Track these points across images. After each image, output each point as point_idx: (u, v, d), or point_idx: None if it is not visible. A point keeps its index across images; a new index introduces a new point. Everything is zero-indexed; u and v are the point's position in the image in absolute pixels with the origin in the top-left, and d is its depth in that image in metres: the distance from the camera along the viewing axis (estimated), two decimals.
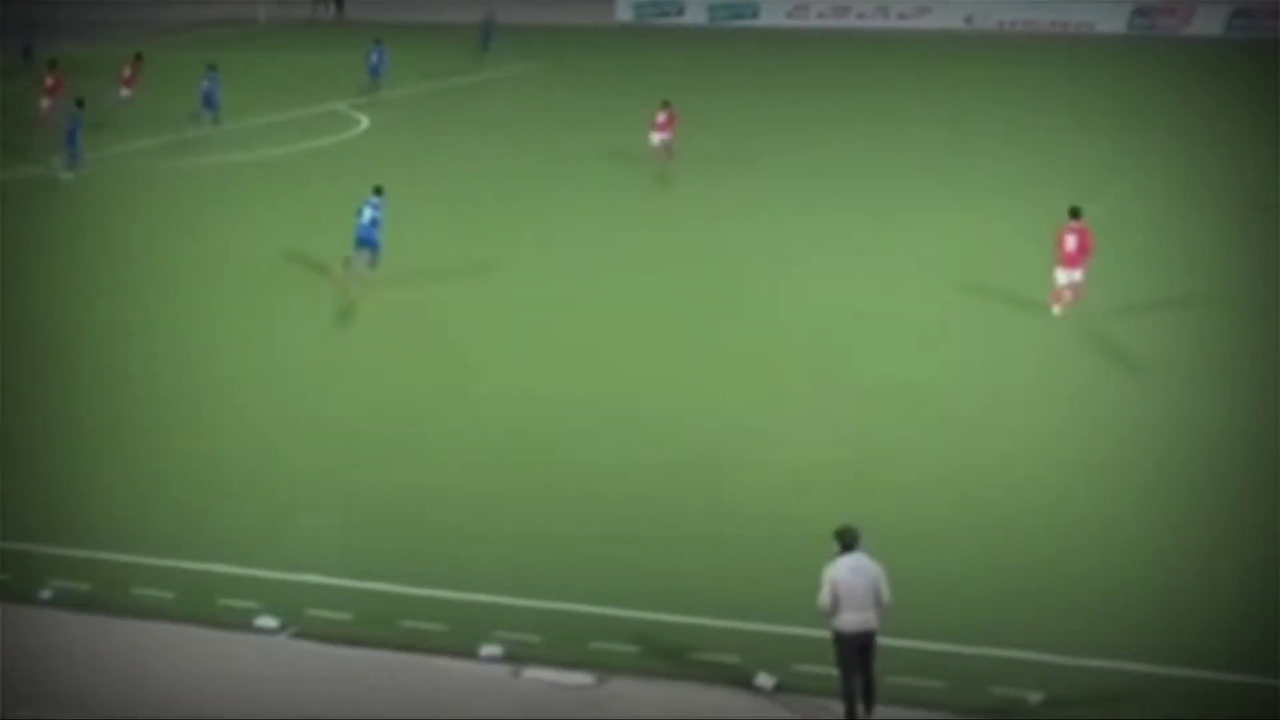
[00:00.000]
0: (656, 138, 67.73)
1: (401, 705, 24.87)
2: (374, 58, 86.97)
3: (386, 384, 39.59)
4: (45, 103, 73.84)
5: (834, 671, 24.50)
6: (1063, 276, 44.86)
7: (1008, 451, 34.90)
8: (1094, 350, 41.48)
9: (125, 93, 77.52)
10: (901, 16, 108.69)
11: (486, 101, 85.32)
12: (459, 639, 26.70)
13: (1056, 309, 44.90)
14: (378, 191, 48.55)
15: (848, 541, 23.97)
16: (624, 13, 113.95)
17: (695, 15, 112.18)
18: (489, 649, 26.36)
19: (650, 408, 37.71)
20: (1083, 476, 33.49)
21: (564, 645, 26.45)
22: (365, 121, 77.29)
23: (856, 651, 23.82)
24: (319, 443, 35.91)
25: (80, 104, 66.29)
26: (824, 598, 23.81)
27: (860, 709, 24.00)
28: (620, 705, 24.90)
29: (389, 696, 25.16)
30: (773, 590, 28.12)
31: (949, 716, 24.32)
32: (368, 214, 47.84)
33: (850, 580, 23.71)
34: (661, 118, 67.61)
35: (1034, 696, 24.77)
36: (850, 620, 23.72)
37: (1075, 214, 45.29)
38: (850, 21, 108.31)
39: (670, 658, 26.12)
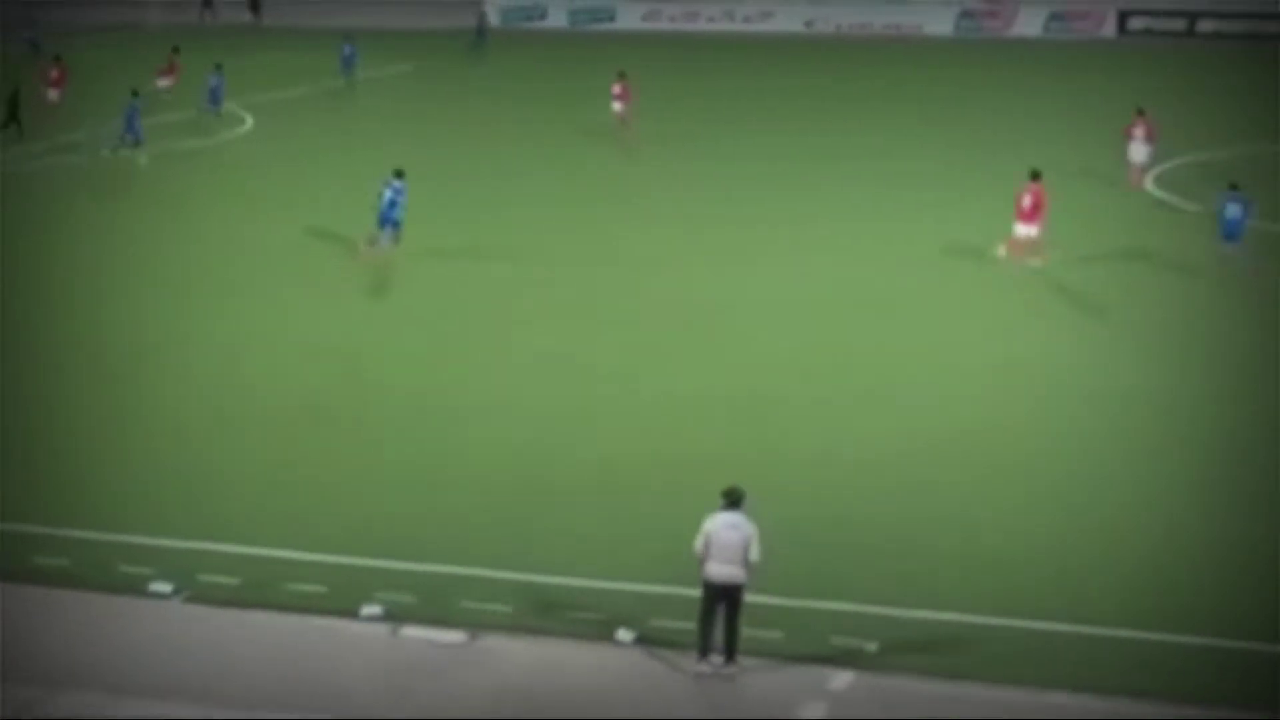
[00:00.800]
0: (616, 106, 71.64)
1: (288, 663, 24.79)
2: (346, 50, 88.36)
3: (279, 361, 39.53)
4: (52, 93, 74.68)
5: (689, 626, 24.83)
6: (1020, 230, 47.46)
7: (867, 420, 35.39)
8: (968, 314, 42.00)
9: (163, 83, 77.45)
10: (746, 20, 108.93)
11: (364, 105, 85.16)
12: (341, 600, 26.65)
13: (1001, 250, 47.57)
14: (398, 174, 48.86)
15: (732, 500, 24.38)
16: (491, 17, 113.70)
17: (557, 19, 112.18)
18: (369, 609, 26.35)
19: (520, 385, 37.71)
20: (935, 440, 33.95)
21: (439, 605, 26.48)
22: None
23: (720, 600, 24.11)
24: (212, 416, 35.69)
25: (136, 94, 67.87)
26: (698, 545, 24.21)
27: (720, 660, 24.28)
28: (491, 660, 24.94)
29: (276, 655, 25.08)
30: (633, 552, 28.34)
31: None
32: (387, 195, 48.30)
33: (723, 534, 24.08)
34: (617, 89, 71.60)
35: (870, 646, 25.05)
36: (716, 571, 24.07)
37: (1035, 176, 48.53)
38: (700, 25, 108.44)
39: (537, 615, 26.19)
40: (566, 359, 39.67)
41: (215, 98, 75.91)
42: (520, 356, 39.91)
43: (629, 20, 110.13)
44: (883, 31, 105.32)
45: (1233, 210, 48.68)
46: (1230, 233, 48.42)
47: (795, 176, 62.48)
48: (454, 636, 25.59)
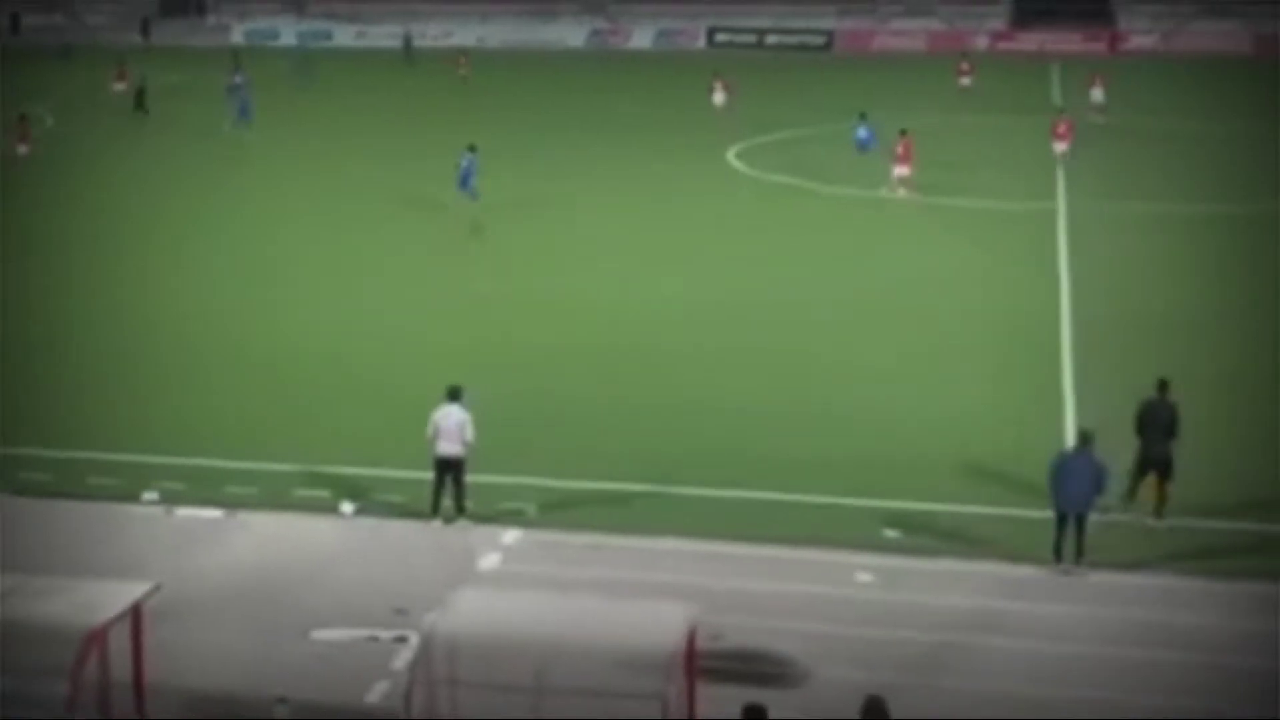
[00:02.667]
0: (460, 71, 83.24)
1: (89, 539, 23.94)
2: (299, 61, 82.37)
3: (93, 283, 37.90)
4: (119, 86, 75.54)
5: (399, 499, 25.02)
6: (897, 171, 49.70)
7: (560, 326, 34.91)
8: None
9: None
10: (434, 37, 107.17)
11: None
12: (128, 489, 25.87)
13: (885, 191, 49.41)
14: (471, 148, 47.15)
15: (451, 395, 24.52)
16: (237, 37, 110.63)
17: (288, 39, 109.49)
18: (149, 495, 25.62)
19: (286, 299, 36.78)
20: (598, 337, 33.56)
21: (203, 490, 25.82)
22: None
23: (447, 472, 24.25)
24: (27, 331, 34.66)
25: (240, 86, 69.31)
26: (428, 430, 24.35)
27: (449, 513, 24.34)
28: (244, 531, 24.38)
29: (79, 534, 24.15)
30: (354, 441, 27.90)
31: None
32: (462, 165, 47.00)
33: (444, 422, 24.28)
34: (462, 59, 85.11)
35: (530, 509, 24.96)
36: (441, 448, 24.28)
37: (904, 132, 50.66)
38: (399, 42, 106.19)
39: (279, 495, 25.64)
40: (311, 268, 38.77)
41: (239, 90, 69.88)
42: (269, 278, 38.90)
43: (345, 39, 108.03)
44: (536, 46, 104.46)
45: (862, 132, 54.58)
46: (862, 147, 53.97)
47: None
48: (215, 514, 24.96)
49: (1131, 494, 24.27)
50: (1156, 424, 24.45)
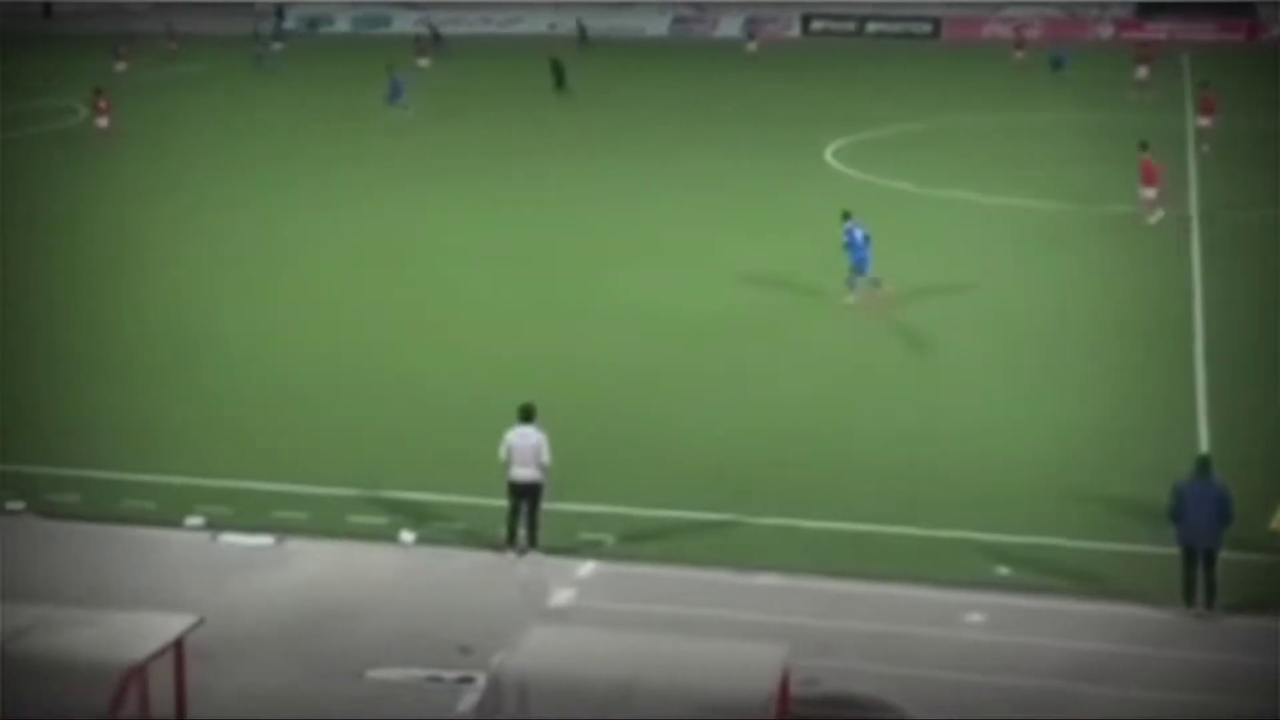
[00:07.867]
0: (421, 62, 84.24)
1: (123, 568, 24.08)
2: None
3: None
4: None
5: (464, 526, 25.21)
6: (1146, 193, 46.77)
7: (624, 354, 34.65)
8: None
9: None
10: (500, 25, 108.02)
11: None
12: (168, 513, 26.04)
13: (1151, 219, 46.32)
14: (847, 216, 38.83)
15: (525, 415, 24.63)
16: (289, 21, 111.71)
17: (343, 25, 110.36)
18: (193, 520, 25.77)
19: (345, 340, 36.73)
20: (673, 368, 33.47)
21: (250, 514, 25.93)
22: None
23: (522, 498, 24.33)
24: (72, 357, 34.63)
25: (390, 68, 73.26)
26: (501, 453, 24.43)
27: (523, 544, 24.36)
28: (296, 559, 24.47)
29: (113, 561, 24.36)
30: (416, 463, 28.01)
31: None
32: (859, 235, 37.99)
33: (519, 443, 24.34)
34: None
35: (609, 539, 24.95)
36: (516, 473, 24.34)
37: (1144, 147, 47.55)
38: (463, 29, 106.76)
39: (333, 521, 25.75)
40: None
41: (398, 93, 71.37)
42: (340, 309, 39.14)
43: (403, 25, 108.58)
44: (608, 33, 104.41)
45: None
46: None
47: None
48: (263, 540, 25.08)
49: None
50: None
